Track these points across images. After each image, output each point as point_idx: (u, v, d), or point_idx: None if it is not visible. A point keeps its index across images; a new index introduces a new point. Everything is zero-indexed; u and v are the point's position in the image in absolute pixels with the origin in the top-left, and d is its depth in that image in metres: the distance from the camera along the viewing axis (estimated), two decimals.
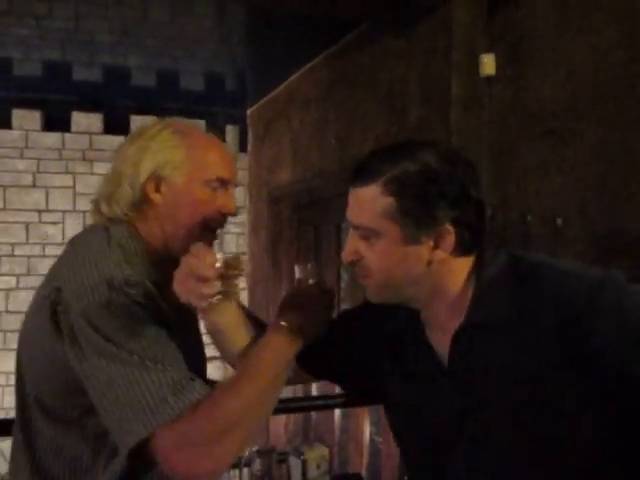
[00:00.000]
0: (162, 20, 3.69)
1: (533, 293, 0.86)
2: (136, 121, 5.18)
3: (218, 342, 1.08)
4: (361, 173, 0.92)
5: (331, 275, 3.69)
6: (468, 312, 0.91)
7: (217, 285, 0.90)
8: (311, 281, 1.02)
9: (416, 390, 1.00)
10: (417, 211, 0.87)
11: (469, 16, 2.31)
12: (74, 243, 1.03)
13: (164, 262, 1.06)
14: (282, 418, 3.84)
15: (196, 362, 1.09)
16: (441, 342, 0.96)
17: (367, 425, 3.45)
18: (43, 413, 0.97)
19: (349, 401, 2.09)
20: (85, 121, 5.06)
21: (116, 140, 5.14)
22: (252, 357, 0.94)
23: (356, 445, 3.49)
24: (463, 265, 0.93)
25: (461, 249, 0.91)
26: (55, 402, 0.97)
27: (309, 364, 1.10)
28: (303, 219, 3.98)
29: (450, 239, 0.89)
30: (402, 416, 1.05)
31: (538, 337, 0.84)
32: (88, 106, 4.98)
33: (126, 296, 0.91)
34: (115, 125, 5.10)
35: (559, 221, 1.99)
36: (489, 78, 2.25)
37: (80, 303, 0.90)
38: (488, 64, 2.24)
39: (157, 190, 1.05)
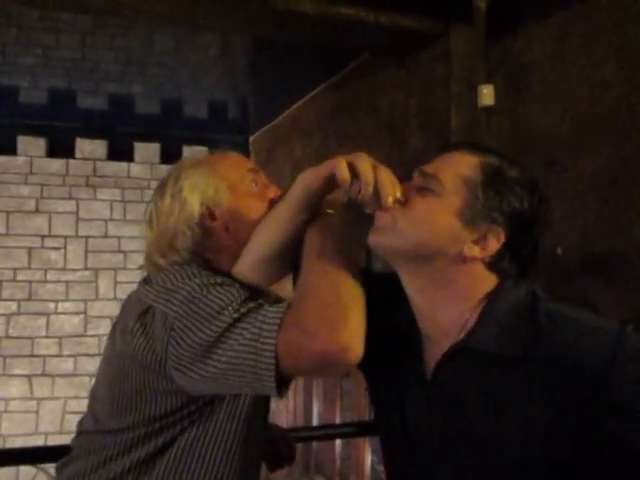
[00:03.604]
0: (166, 49, 3.76)
1: (546, 336, 0.83)
2: (140, 148, 5.25)
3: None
4: (469, 144, 0.94)
5: None
6: (469, 333, 0.87)
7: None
8: None
9: (398, 391, 0.97)
10: (491, 199, 0.87)
11: (468, 48, 2.35)
12: (151, 277, 1.03)
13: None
14: None
15: None
16: (431, 351, 0.92)
17: (368, 454, 3.41)
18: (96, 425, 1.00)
19: (350, 431, 2.08)
20: (89, 147, 5.12)
21: (120, 166, 5.19)
22: (309, 238, 0.94)
23: (357, 475, 3.44)
24: (487, 281, 0.90)
25: (495, 264, 0.88)
26: (110, 418, 0.98)
27: None
28: None
29: (494, 244, 0.87)
30: (384, 412, 1.02)
31: (542, 379, 0.82)
32: (92, 133, 5.04)
33: (209, 284, 0.93)
34: (119, 152, 5.15)
35: (559, 250, 2.00)
36: (488, 108, 2.29)
37: (171, 312, 0.91)
38: (487, 95, 2.28)
39: (213, 219, 1.06)
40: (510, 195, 0.87)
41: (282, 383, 0.85)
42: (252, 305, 0.88)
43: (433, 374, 0.90)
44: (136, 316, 0.95)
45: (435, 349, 0.91)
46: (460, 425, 0.88)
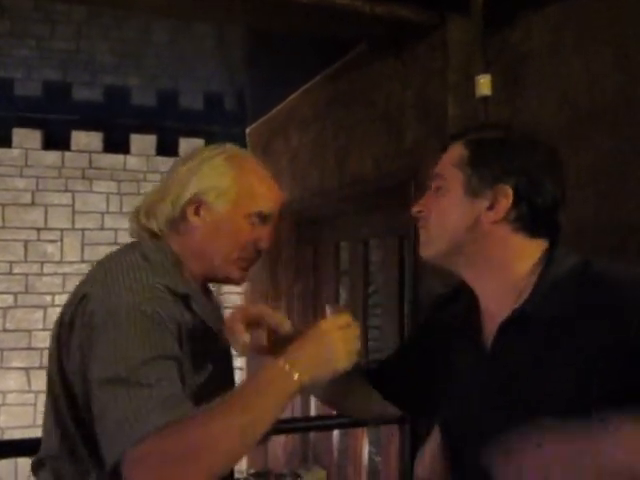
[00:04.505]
0: (162, 41, 3.73)
1: (601, 286, 0.86)
2: (136, 140, 5.22)
3: None
4: (460, 133, 1.04)
5: (330, 293, 3.69)
6: (525, 302, 0.91)
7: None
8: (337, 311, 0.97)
9: (461, 372, 1.01)
10: (484, 165, 0.94)
11: (465, 38, 2.34)
12: (103, 260, 1.04)
13: (195, 277, 1.08)
14: (280, 439, 3.81)
15: (222, 376, 1.10)
16: (488, 325, 0.97)
17: (366, 445, 3.43)
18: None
19: (347, 422, 2.09)
20: (85, 140, 5.09)
21: (116, 159, 5.17)
22: (239, 390, 0.91)
23: (355, 465, 3.46)
24: (528, 247, 0.95)
25: (518, 223, 0.94)
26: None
27: (387, 388, 1.14)
28: (302, 238, 3.99)
29: (505, 203, 0.93)
30: (448, 398, 1.05)
31: (593, 336, 0.84)
32: (88, 125, 5.01)
33: (144, 313, 0.92)
34: (115, 144, 5.13)
35: None
36: (485, 99, 2.28)
37: (100, 311, 0.91)
38: (484, 85, 2.26)
39: (196, 213, 1.05)
40: (496, 156, 0.95)
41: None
42: (151, 381, 0.85)
43: (492, 346, 0.95)
44: (73, 306, 0.97)
45: (494, 322, 0.95)
46: (510, 391, 0.91)
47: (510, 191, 0.93)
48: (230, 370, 1.18)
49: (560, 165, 0.99)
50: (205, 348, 1.03)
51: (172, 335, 0.93)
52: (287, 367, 0.88)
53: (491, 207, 0.94)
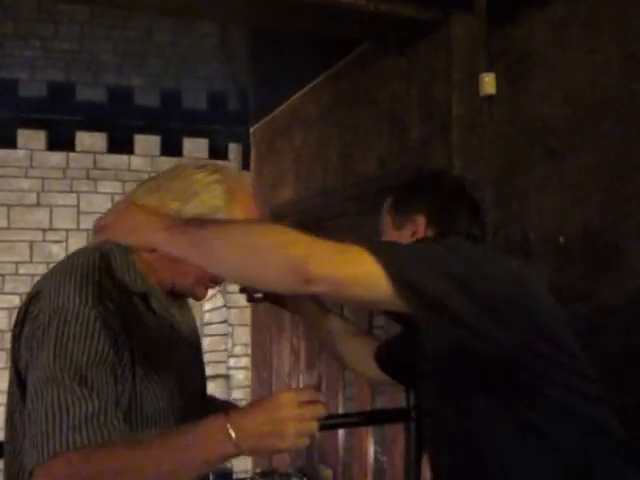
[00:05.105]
0: (165, 41, 3.75)
1: None
2: (140, 140, 5.23)
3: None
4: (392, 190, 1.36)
5: None
6: None
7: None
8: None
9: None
10: (401, 206, 1.26)
11: (469, 36, 2.33)
12: (66, 257, 1.05)
13: (162, 284, 1.09)
14: None
15: (187, 373, 1.10)
16: None
17: (371, 444, 3.42)
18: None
19: (352, 421, 2.09)
20: (89, 140, 5.09)
21: (120, 159, 5.18)
22: (171, 436, 0.86)
23: (360, 465, 3.45)
24: None
25: (436, 237, 1.20)
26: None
27: (388, 366, 1.41)
28: None
29: (421, 228, 1.21)
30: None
31: None
32: (92, 126, 5.02)
33: (88, 315, 0.91)
34: (119, 144, 5.13)
35: (561, 239, 1.99)
36: (489, 97, 2.27)
37: (46, 310, 0.91)
38: (488, 83, 2.26)
39: None
40: (409, 197, 1.28)
41: None
42: (84, 390, 0.84)
43: None
44: (27, 303, 0.97)
45: None
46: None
47: (422, 219, 1.22)
48: (198, 368, 1.19)
49: (463, 192, 1.29)
50: (166, 346, 1.03)
51: (115, 339, 0.92)
52: (230, 430, 0.83)
53: (413, 234, 1.22)
